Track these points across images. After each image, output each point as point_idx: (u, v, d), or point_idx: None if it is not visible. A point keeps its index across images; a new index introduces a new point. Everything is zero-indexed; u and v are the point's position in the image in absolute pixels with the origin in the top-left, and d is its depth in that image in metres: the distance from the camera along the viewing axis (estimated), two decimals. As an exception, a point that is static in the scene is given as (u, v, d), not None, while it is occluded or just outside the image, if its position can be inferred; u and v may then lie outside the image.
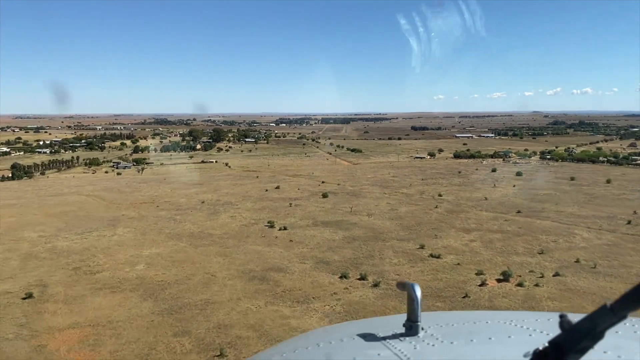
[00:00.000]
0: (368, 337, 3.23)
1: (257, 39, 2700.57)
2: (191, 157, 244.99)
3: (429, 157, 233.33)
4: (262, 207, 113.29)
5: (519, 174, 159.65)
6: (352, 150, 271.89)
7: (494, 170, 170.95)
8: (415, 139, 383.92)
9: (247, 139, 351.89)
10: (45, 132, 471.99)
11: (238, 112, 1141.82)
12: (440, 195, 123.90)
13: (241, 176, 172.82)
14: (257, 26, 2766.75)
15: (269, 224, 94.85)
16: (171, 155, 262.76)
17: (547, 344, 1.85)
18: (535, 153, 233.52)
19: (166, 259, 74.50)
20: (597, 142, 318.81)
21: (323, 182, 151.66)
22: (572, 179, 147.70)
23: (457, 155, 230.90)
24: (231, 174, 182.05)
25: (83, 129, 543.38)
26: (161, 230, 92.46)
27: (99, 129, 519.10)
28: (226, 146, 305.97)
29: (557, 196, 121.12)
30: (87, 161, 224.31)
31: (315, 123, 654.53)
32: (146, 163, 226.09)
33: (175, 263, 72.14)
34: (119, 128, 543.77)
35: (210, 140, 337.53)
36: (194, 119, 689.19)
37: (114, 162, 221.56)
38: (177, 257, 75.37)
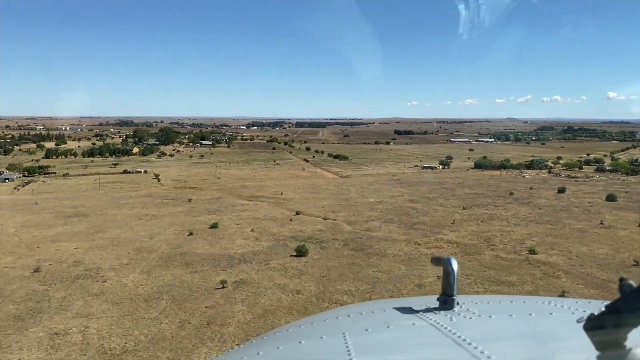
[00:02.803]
0: (402, 310, 3.10)
1: (232, 43, 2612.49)
2: (115, 164, 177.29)
3: (441, 167, 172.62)
4: (158, 292, 49.05)
5: (611, 198, 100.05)
6: (336, 157, 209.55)
7: (561, 191, 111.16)
8: (406, 144, 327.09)
9: (203, 142, 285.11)
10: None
11: (210, 116, 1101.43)
12: (532, 252, 61.95)
13: (166, 198, 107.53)
14: (231, 30, 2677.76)
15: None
16: (92, 160, 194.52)
17: (603, 308, 1.62)
18: (580, 162, 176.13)
19: None
20: (627, 149, 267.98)
21: (298, 212, 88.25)
22: None
23: (479, 165, 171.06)
24: (153, 193, 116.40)
25: (20, 129, 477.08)
26: None
27: (39, 130, 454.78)
28: (173, 149, 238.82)
29: None
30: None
31: (289, 127, 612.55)
32: (46, 173, 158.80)
33: None
34: (63, 129, 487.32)
35: (157, 143, 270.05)
36: (162, 121, 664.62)
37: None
38: None
